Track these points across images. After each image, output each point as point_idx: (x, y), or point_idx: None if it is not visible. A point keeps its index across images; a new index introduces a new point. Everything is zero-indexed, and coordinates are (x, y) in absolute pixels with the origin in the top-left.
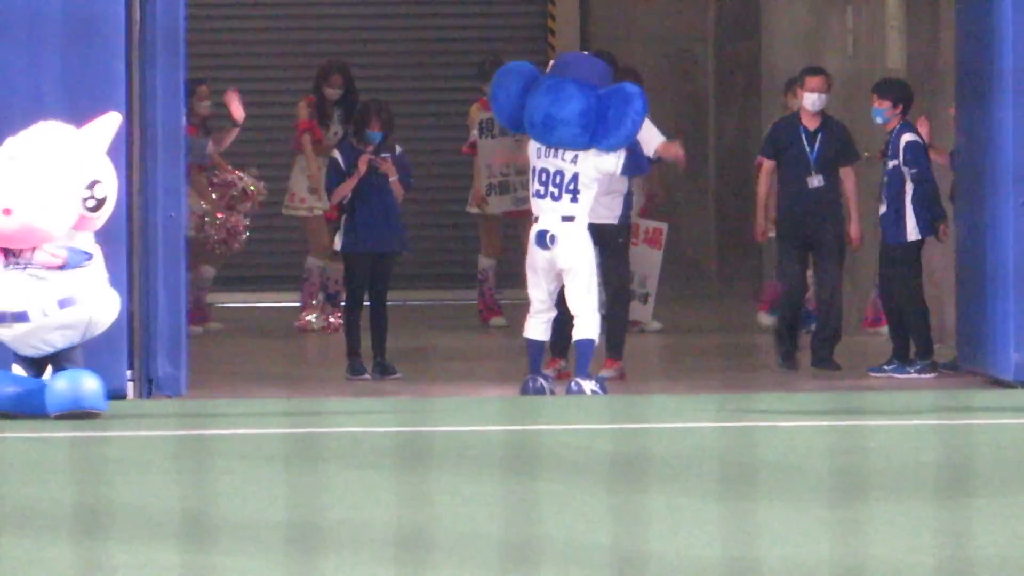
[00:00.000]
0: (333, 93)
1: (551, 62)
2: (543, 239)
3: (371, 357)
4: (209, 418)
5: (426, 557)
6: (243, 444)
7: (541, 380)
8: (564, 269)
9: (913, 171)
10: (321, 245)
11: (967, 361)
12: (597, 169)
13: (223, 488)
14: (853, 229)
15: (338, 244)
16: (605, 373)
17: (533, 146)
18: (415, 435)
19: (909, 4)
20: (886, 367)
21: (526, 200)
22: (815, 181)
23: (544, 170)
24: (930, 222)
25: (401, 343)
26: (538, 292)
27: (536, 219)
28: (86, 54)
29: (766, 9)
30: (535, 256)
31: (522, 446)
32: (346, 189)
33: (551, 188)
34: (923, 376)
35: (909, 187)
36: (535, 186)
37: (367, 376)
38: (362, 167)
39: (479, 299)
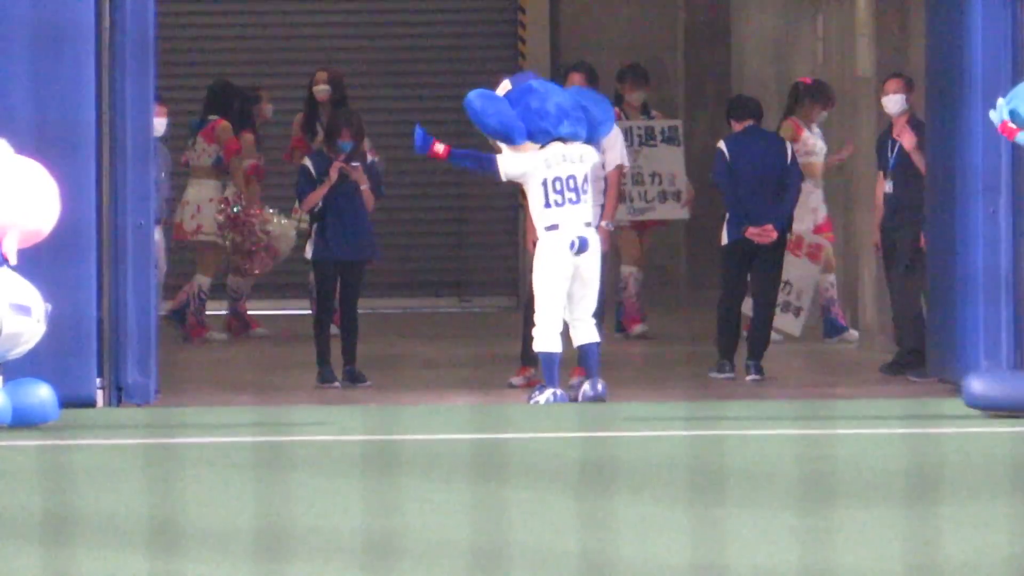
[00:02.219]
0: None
1: (505, 82)
2: (584, 245)
3: (341, 365)
4: (179, 427)
5: (395, 565)
6: (212, 452)
7: (563, 393)
8: (587, 276)
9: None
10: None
11: (937, 369)
12: (590, 165)
13: (192, 496)
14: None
15: (309, 252)
16: (515, 381)
17: (539, 158)
18: (384, 443)
19: (879, 12)
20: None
21: (642, 211)
22: (887, 187)
23: (557, 178)
24: (737, 226)
25: (372, 351)
26: (558, 302)
27: (554, 227)
28: (56, 61)
29: (736, 17)
30: (564, 263)
31: (491, 454)
32: (316, 197)
33: (567, 194)
34: (721, 376)
35: None
36: (551, 196)
37: (337, 384)
38: (333, 175)
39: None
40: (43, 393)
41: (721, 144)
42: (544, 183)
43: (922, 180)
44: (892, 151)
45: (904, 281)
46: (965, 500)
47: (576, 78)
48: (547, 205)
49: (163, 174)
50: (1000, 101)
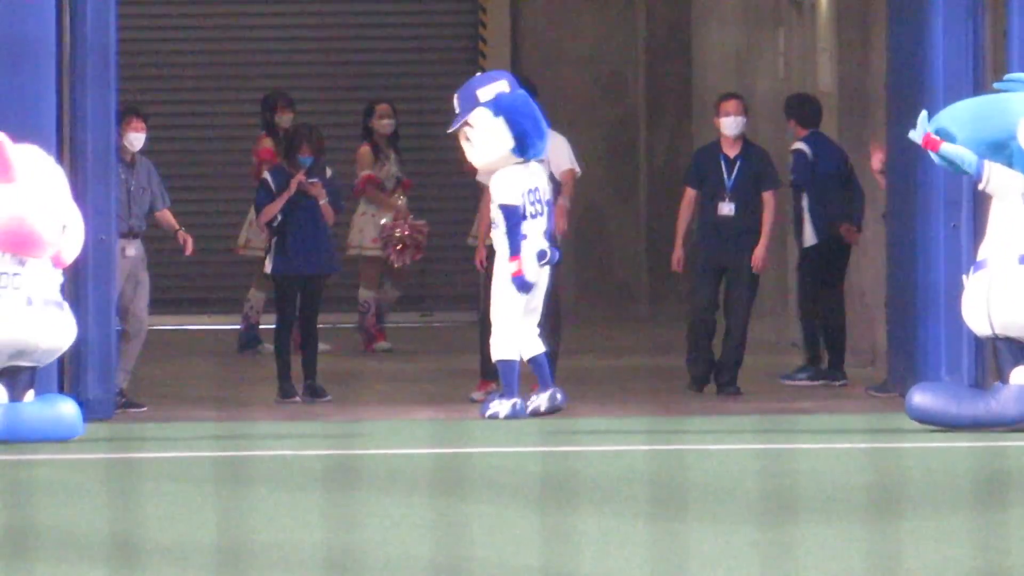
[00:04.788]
0: (385, 126)
1: (504, 81)
2: (542, 256)
3: (301, 379)
4: (139, 441)
5: None
6: (173, 467)
7: (524, 404)
8: (543, 287)
9: None
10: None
11: (898, 383)
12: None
13: (152, 511)
14: (756, 254)
15: (268, 267)
16: (476, 396)
17: (521, 171)
18: (345, 458)
19: (839, 27)
20: (799, 375)
21: None
22: (726, 208)
23: (532, 190)
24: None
25: (332, 366)
26: (518, 312)
27: (525, 238)
28: (16, 77)
29: (696, 32)
30: (533, 275)
31: (452, 468)
32: (274, 209)
33: (537, 207)
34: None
35: None
36: (530, 208)
37: (297, 399)
38: (292, 186)
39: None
40: (69, 409)
41: (801, 145)
42: (524, 194)
43: (760, 201)
44: (731, 172)
45: (748, 302)
46: (926, 514)
47: None
48: (523, 217)
49: (142, 189)
50: (923, 115)
